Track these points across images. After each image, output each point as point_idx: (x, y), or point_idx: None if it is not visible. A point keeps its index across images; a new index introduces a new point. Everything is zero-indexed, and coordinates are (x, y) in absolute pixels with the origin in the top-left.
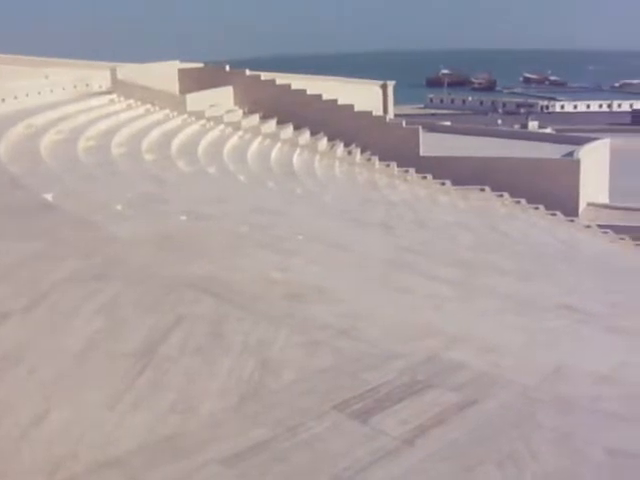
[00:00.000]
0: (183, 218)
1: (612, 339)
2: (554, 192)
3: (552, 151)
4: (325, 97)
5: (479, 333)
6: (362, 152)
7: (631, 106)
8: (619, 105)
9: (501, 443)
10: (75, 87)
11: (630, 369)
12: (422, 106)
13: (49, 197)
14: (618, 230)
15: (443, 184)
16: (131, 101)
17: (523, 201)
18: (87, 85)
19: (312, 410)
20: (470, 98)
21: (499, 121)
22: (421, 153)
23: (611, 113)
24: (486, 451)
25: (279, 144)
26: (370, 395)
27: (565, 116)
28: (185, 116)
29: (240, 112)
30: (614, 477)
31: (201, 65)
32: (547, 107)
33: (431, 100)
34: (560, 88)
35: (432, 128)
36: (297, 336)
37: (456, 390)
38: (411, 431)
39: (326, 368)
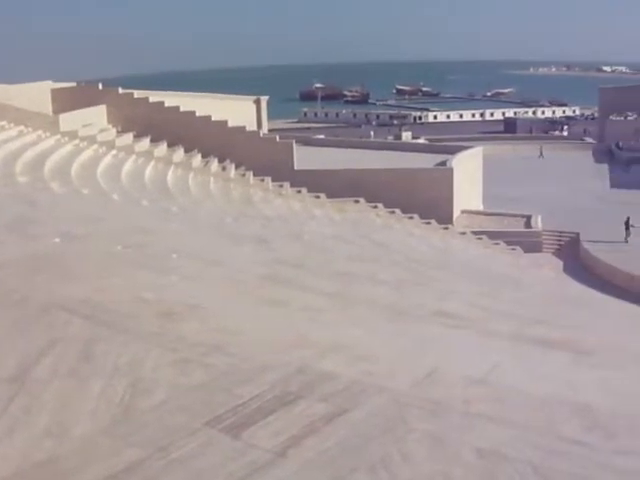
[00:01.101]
0: (56, 240)
1: (485, 343)
2: (428, 201)
3: (425, 161)
4: (199, 114)
5: (352, 342)
6: (237, 168)
7: (503, 114)
8: (492, 114)
9: (373, 449)
10: None
11: (501, 372)
12: (296, 120)
13: None
14: (492, 235)
15: (318, 197)
16: (4, 122)
17: (398, 211)
18: None
19: (184, 428)
20: (344, 111)
21: (372, 133)
22: (295, 167)
23: (484, 122)
24: (358, 458)
25: (153, 162)
26: (242, 409)
27: (438, 126)
28: (58, 136)
29: (114, 131)
30: (484, 477)
31: (74, 84)
32: (420, 118)
33: (305, 114)
34: (433, 99)
35: (306, 142)
36: (168, 355)
37: (327, 400)
38: (283, 443)
39: (197, 385)
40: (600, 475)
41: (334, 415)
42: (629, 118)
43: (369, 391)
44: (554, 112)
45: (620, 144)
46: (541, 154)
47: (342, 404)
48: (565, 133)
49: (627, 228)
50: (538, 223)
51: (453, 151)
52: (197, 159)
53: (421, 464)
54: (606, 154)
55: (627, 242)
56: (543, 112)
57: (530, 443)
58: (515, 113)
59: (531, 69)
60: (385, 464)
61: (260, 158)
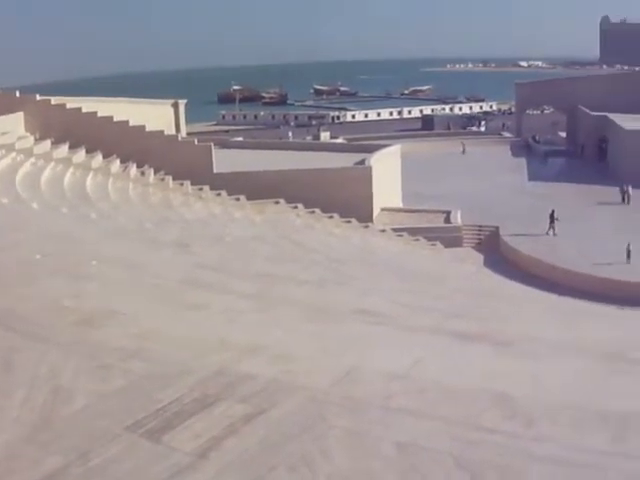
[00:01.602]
0: None
1: (405, 338)
2: (348, 200)
3: (344, 160)
4: (117, 119)
5: (272, 343)
6: (156, 172)
7: (421, 112)
8: (409, 111)
9: (292, 448)
10: None
11: (421, 366)
12: (215, 123)
13: None
14: (412, 232)
15: (238, 199)
16: None
17: (318, 211)
18: None
19: (105, 434)
20: (262, 112)
21: (290, 134)
22: (214, 170)
23: (402, 120)
24: (278, 457)
25: (72, 169)
26: (162, 413)
27: (357, 125)
28: None
29: (32, 138)
30: (404, 470)
31: None
32: (338, 117)
33: (223, 117)
34: (351, 98)
35: (225, 145)
36: (87, 361)
37: (246, 401)
38: (203, 445)
39: (118, 391)
40: (519, 462)
41: (253, 415)
42: (546, 112)
43: (288, 390)
44: (471, 108)
45: (537, 137)
46: (464, 150)
47: (261, 404)
48: (483, 128)
49: (552, 221)
50: (457, 218)
51: (371, 150)
52: (116, 165)
53: (341, 460)
54: (523, 148)
55: (554, 235)
56: (460, 108)
57: (450, 434)
58: (433, 110)
59: (448, 66)
60: (305, 462)
61: (179, 162)
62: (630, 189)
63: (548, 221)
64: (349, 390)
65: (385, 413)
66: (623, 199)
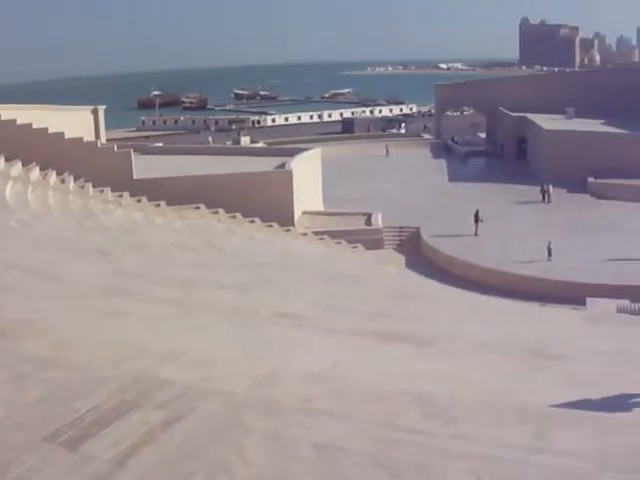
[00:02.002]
0: None
1: (326, 340)
2: (269, 204)
3: (265, 164)
4: (35, 126)
5: (191, 349)
6: (76, 179)
7: (341, 115)
8: (329, 115)
9: (211, 452)
10: None
11: (342, 368)
12: (135, 129)
13: None
14: (334, 235)
15: (158, 205)
16: None
17: (239, 215)
18: None
19: (23, 444)
20: (182, 118)
21: (210, 138)
22: (134, 176)
23: (322, 123)
24: (196, 463)
25: None
26: (80, 422)
27: (277, 129)
28: None
29: None
30: (322, 472)
31: None
32: (259, 122)
33: (143, 122)
34: (271, 102)
35: (145, 150)
36: (3, 372)
37: (163, 407)
38: (122, 452)
39: (35, 401)
40: (438, 460)
41: (171, 421)
42: (465, 113)
43: (206, 395)
44: (391, 110)
45: (455, 138)
46: (387, 152)
47: (179, 410)
48: (403, 131)
49: (476, 221)
50: (378, 220)
51: (292, 153)
52: (35, 172)
53: (259, 464)
54: (443, 149)
55: (477, 235)
56: (380, 111)
57: (368, 435)
58: (353, 113)
59: (368, 69)
60: (223, 466)
61: (99, 169)
62: (550, 188)
63: (473, 220)
64: (268, 393)
65: (304, 415)
66: (543, 198)
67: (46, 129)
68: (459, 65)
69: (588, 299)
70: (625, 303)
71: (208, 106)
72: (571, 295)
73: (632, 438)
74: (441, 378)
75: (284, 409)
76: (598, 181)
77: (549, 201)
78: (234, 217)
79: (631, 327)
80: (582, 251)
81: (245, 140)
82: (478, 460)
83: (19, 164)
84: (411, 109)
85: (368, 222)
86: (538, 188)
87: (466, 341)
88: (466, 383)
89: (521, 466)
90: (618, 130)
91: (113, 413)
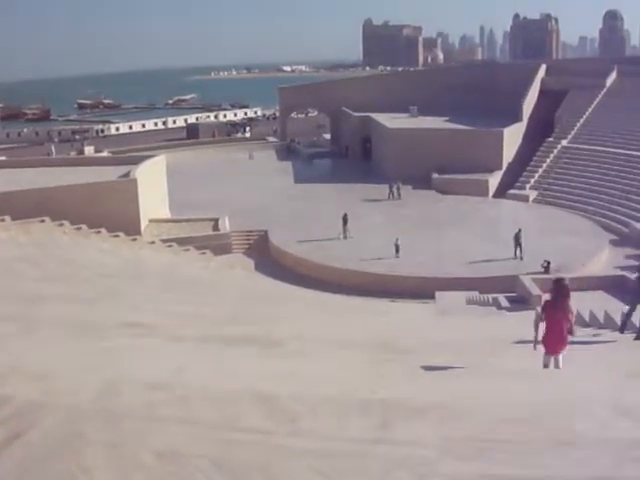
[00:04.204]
0: None
1: (172, 348)
2: (115, 213)
3: (110, 173)
4: None
5: (33, 363)
6: None
7: (186, 121)
8: (174, 121)
9: (52, 468)
10: None
11: (185, 374)
12: None
13: None
14: (182, 242)
15: (3, 220)
16: None
17: (85, 227)
18: None
19: None
20: (25, 130)
21: (53, 149)
22: None
23: (167, 130)
24: (38, 477)
25: None
26: None
27: (122, 138)
28: None
29: None
30: (163, 478)
31: None
32: (102, 131)
33: None
34: (115, 110)
35: None
36: None
37: (2, 424)
38: None
39: None
40: (279, 458)
41: (10, 438)
42: (310, 115)
43: (46, 410)
44: (236, 114)
45: (297, 140)
46: (251, 156)
47: (17, 426)
48: (248, 134)
49: (345, 224)
50: (226, 225)
51: (136, 161)
52: None
53: (101, 475)
54: (289, 151)
55: (345, 238)
56: (225, 115)
57: (209, 438)
58: (197, 118)
59: (212, 74)
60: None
61: None
62: (400, 185)
63: (341, 224)
64: (109, 404)
65: (145, 423)
66: (391, 195)
67: None
68: (303, 67)
69: (437, 293)
70: (474, 294)
71: (52, 117)
72: (421, 290)
73: (472, 425)
74: (284, 377)
75: (125, 418)
76: (442, 177)
77: (399, 198)
78: (80, 229)
79: (479, 318)
80: (429, 246)
81: (89, 150)
82: (318, 455)
83: None
84: (255, 112)
85: (216, 227)
86: (385, 186)
87: (314, 340)
88: (311, 381)
89: (363, 458)
90: (461, 126)
91: None
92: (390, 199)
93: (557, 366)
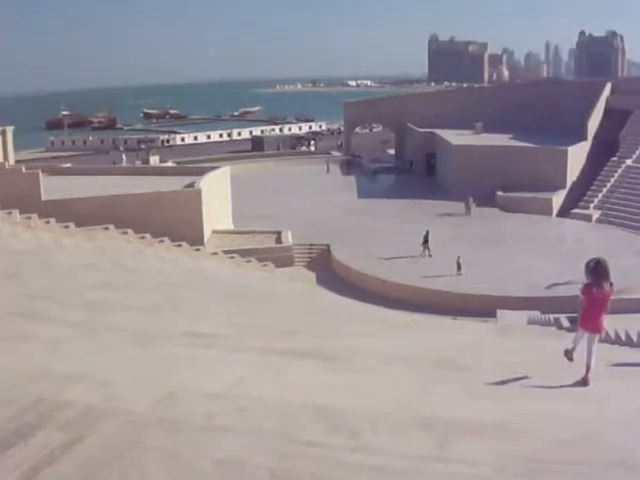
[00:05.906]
0: None
1: (233, 359)
2: (178, 223)
3: (174, 183)
4: None
5: (95, 369)
6: None
7: (251, 133)
8: (239, 133)
9: (111, 473)
10: None
11: (246, 385)
12: (43, 150)
13: None
14: (244, 253)
15: (67, 227)
16: None
17: (148, 235)
18: None
19: None
20: (91, 138)
21: (123, 157)
22: (43, 197)
23: (232, 141)
24: None
25: None
26: None
27: (186, 148)
28: None
29: None
30: None
31: None
32: (168, 141)
33: (52, 143)
34: (181, 121)
35: (54, 171)
36: None
37: (64, 428)
38: (23, 475)
39: None
40: (338, 472)
41: (72, 442)
42: (375, 130)
43: (107, 416)
44: (301, 128)
45: (359, 155)
46: (328, 169)
47: (79, 431)
48: (313, 148)
49: (426, 242)
50: (288, 238)
51: (201, 172)
52: None
53: None
54: (353, 166)
55: (429, 256)
56: (290, 129)
57: (269, 449)
58: (262, 131)
59: (277, 87)
60: None
61: (7, 190)
62: (471, 200)
63: (422, 242)
64: (169, 412)
65: (204, 432)
66: (468, 210)
67: None
68: (368, 82)
69: (499, 311)
70: (536, 314)
71: (117, 126)
72: (483, 308)
73: (529, 445)
74: (346, 392)
75: (184, 427)
76: (506, 195)
77: (469, 214)
78: (143, 237)
79: (540, 339)
80: (491, 264)
81: (154, 159)
82: (377, 471)
83: None
84: (320, 126)
85: (278, 240)
86: (448, 202)
87: (375, 355)
88: (371, 397)
89: (421, 475)
90: (525, 144)
91: (13, 436)
92: (466, 214)
93: (590, 349)
